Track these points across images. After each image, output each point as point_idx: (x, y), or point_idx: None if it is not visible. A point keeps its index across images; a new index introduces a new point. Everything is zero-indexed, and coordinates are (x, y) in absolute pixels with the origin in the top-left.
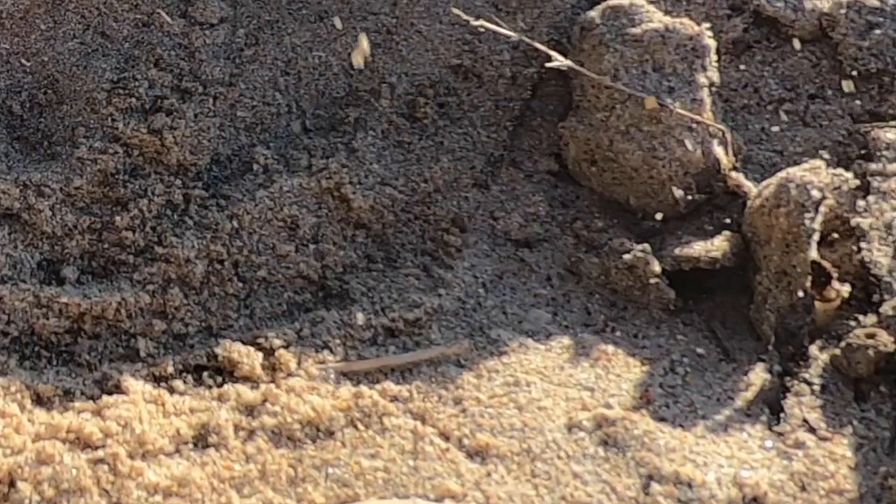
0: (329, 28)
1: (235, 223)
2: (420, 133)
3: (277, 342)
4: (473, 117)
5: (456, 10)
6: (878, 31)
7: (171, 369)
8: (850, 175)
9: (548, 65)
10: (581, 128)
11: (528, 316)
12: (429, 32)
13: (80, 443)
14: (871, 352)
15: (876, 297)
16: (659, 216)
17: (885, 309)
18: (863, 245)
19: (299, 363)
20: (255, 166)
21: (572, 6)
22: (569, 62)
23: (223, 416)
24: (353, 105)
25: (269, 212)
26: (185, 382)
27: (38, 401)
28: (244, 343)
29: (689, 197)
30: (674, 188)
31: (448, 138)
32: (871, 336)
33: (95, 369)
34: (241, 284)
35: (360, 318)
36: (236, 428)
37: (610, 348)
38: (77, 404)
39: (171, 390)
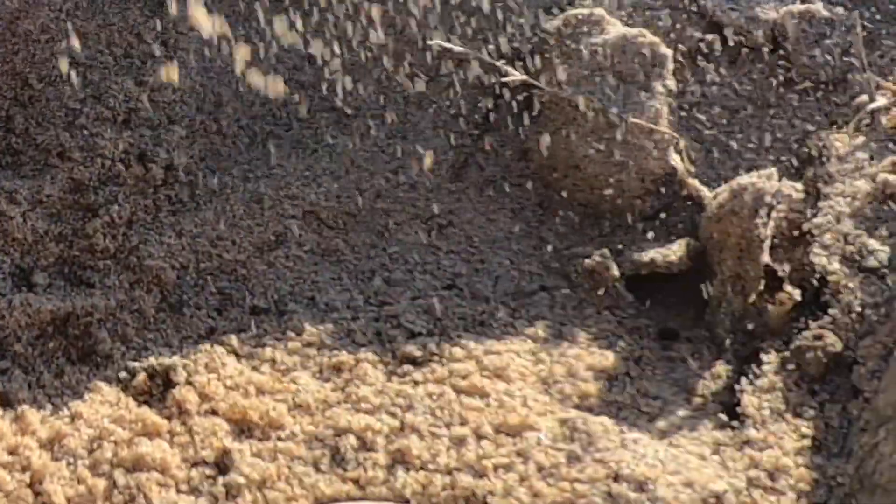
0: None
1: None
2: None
3: None
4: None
5: (414, 30)
6: (827, 41)
7: (142, 376)
8: (801, 181)
9: (504, 79)
10: (544, 136)
11: (492, 317)
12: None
13: (54, 446)
14: (820, 353)
15: (826, 300)
16: (619, 222)
17: (835, 312)
18: (813, 250)
19: None
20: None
21: (535, 15)
22: (523, 76)
23: None
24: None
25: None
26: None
27: (9, 405)
28: None
29: (649, 203)
30: (634, 195)
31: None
32: (818, 337)
33: (68, 375)
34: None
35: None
36: None
37: (573, 350)
38: (49, 409)
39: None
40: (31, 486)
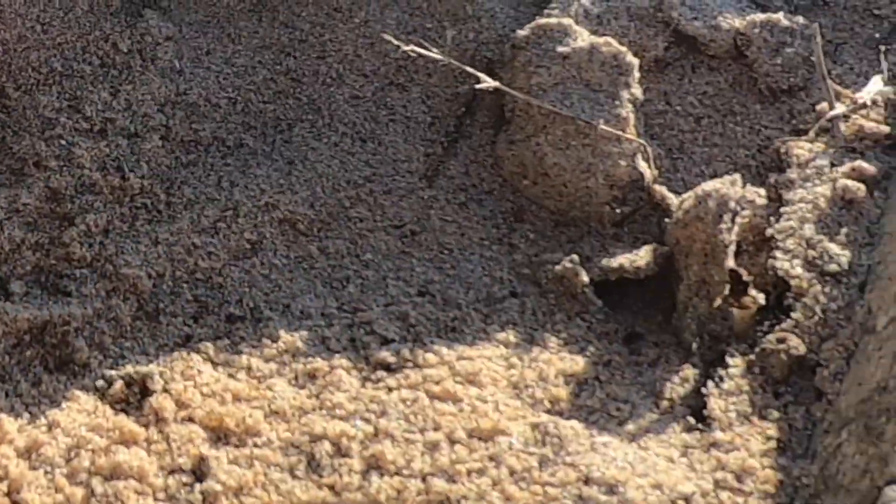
0: (270, 45)
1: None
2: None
3: None
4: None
5: (387, 36)
6: (788, 50)
7: (119, 384)
8: (764, 188)
9: (477, 86)
10: (513, 143)
11: (464, 323)
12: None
13: (31, 454)
14: (783, 356)
15: (789, 304)
16: (588, 228)
17: (798, 315)
18: (776, 254)
19: None
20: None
21: (504, 24)
22: (496, 83)
23: None
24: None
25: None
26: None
27: None
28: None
29: (617, 209)
30: (602, 201)
31: (389, 148)
32: (782, 341)
33: (45, 383)
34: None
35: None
36: None
37: (543, 355)
38: (26, 418)
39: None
40: (8, 495)
